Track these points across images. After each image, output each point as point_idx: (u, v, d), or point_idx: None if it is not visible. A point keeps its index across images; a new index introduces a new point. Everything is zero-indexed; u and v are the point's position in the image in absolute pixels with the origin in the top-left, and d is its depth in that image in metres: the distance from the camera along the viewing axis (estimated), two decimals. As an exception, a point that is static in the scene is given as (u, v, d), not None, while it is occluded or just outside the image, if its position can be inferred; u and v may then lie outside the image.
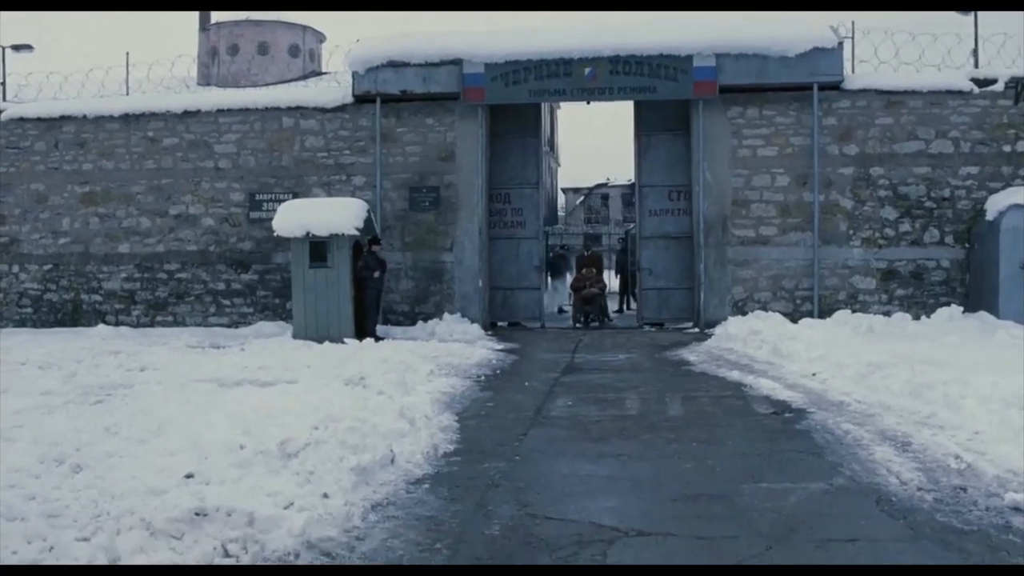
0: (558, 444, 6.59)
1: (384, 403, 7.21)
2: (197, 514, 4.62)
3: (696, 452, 6.19)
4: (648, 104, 15.61)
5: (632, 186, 17.26)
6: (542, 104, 16.55)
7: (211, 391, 8.99)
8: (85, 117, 16.35)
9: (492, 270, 16.03)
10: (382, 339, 12.94)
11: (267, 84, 28.41)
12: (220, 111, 15.89)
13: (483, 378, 10.00)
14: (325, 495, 5.05)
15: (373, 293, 13.85)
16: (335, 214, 13.65)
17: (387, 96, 15.24)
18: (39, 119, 16.52)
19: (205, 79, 39.56)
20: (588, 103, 15.89)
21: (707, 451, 6.21)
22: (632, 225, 21.27)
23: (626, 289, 20.78)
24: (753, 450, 6.23)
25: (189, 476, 5.47)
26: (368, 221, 14.05)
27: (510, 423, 7.40)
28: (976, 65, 15.37)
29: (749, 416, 7.53)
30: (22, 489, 5.30)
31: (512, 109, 15.71)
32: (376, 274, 13.79)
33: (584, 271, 17.19)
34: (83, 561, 4.28)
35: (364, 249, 13.89)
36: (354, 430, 5.92)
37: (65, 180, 16.45)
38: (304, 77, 33.16)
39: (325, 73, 25.59)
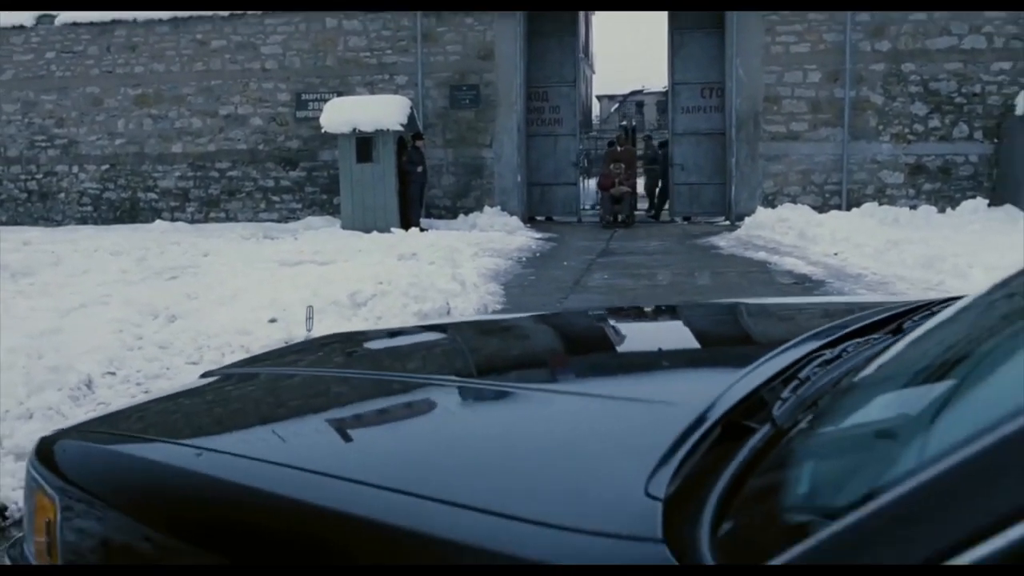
0: (595, 304, 7.28)
1: (436, 270, 7.93)
2: (286, 343, 5.38)
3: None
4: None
5: (667, 93, 17.52)
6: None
7: (274, 268, 9.77)
8: (135, 21, 16.89)
9: (530, 166, 16.56)
10: (426, 230, 13.64)
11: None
12: (266, 13, 16.36)
13: (524, 259, 10.69)
14: (394, 332, 5.79)
15: (416, 187, 14.49)
16: (380, 111, 14.21)
17: (427, -4, 15.62)
18: (91, 23, 17.07)
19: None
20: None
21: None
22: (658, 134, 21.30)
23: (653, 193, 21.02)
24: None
25: (272, 320, 6.25)
26: (411, 118, 14.61)
27: (551, 291, 8.11)
28: (1012, -42, 15.38)
29: (772, 285, 8.17)
30: (129, 332, 6.11)
31: (551, 12, 16.00)
32: (419, 168, 14.41)
33: (612, 167, 15.83)
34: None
35: (408, 144, 14.49)
36: (414, 285, 6.65)
37: (118, 83, 17.10)
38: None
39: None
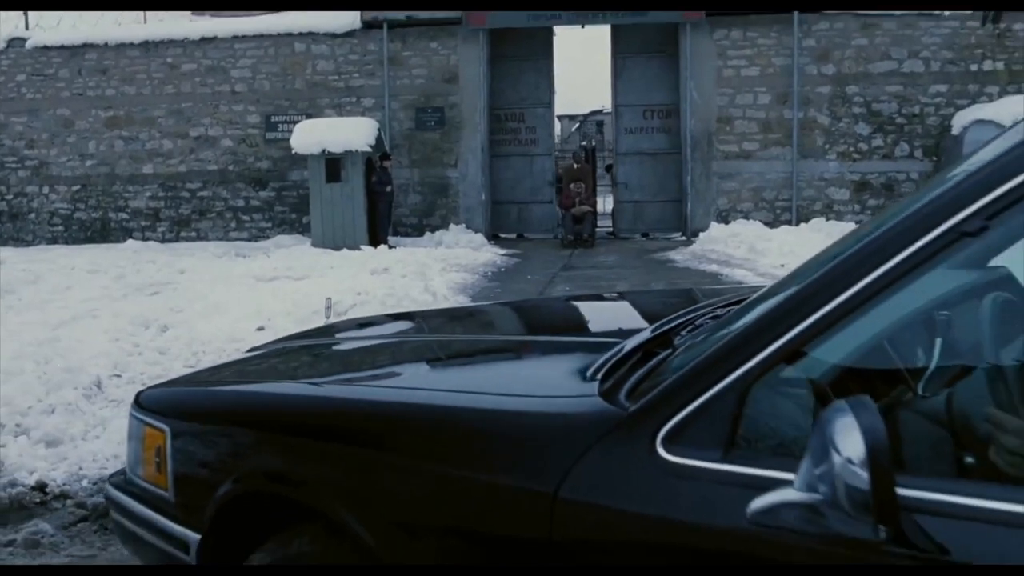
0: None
1: (409, 283, 8.45)
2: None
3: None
4: (623, 28, 16.54)
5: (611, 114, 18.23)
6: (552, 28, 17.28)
7: (251, 283, 10.20)
8: (107, 45, 17.26)
9: (507, 185, 17.19)
10: (394, 247, 14.13)
11: (260, 11, 28.77)
12: (236, 37, 16.82)
13: (490, 274, 11.23)
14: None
15: (385, 205, 15.00)
16: (349, 132, 14.72)
17: (393, 22, 16.17)
18: (62, 47, 17.40)
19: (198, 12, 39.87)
20: (583, 27, 16.78)
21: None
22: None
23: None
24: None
25: (261, 328, 6.72)
26: (379, 139, 15.14)
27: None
28: (948, -13, 16.29)
29: (722, 294, 8.78)
30: (126, 341, 6.55)
31: (525, 34, 16.58)
32: (388, 188, 14.93)
33: (573, 186, 15.91)
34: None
35: (376, 165, 15.00)
36: (390, 295, 7.16)
37: (89, 105, 17.43)
38: None
39: None
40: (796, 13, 15.62)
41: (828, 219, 15.59)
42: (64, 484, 3.77)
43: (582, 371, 1.68)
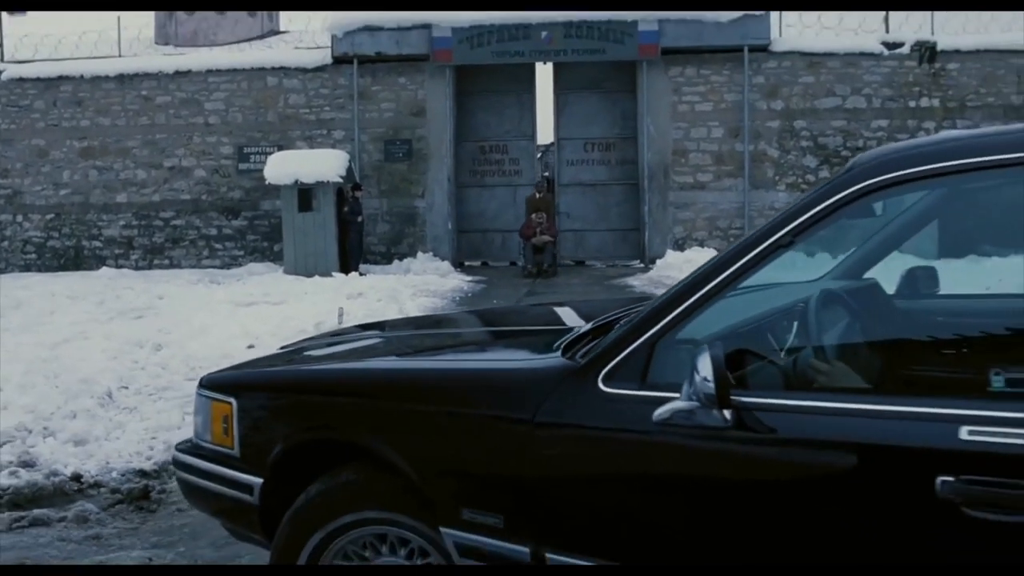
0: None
1: (384, 306, 9.03)
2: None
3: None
4: (564, 66, 17.32)
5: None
6: (535, 64, 17.75)
7: (232, 308, 10.68)
8: (82, 77, 17.72)
9: (490, 215, 17.85)
10: (364, 274, 14.70)
11: (226, 43, 29.07)
12: (209, 71, 17.38)
13: (458, 299, 11.84)
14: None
15: (356, 235, 15.59)
16: (320, 164, 15.30)
17: (363, 57, 16.85)
18: (38, 79, 17.83)
19: (163, 38, 40.17)
20: (544, 63, 17.56)
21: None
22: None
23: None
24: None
25: (251, 347, 7.26)
26: (349, 170, 15.74)
27: (485, 323, 9.27)
28: (887, 30, 17.29)
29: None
30: (125, 359, 7.07)
31: (508, 69, 17.24)
32: (359, 218, 15.53)
33: (534, 216, 15.94)
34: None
35: (348, 195, 15.60)
36: (369, 316, 7.73)
37: (64, 136, 17.86)
38: (263, 36, 33.94)
39: (285, 32, 26.54)
40: (746, 52, 16.52)
41: (778, 247, 16.37)
42: (97, 475, 4.32)
43: (549, 345, 2.37)
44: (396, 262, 16.53)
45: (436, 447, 2.25)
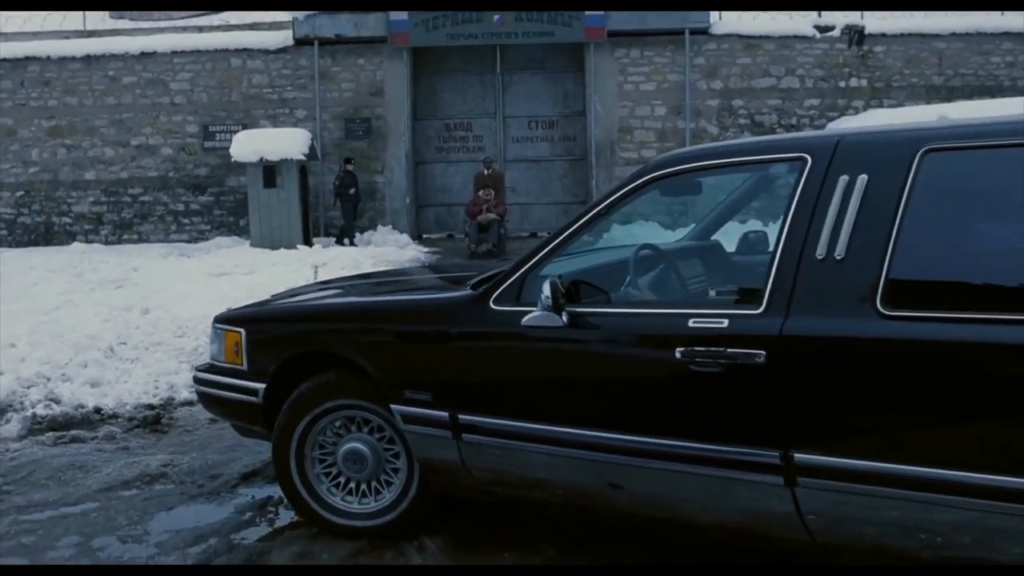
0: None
1: (349, 274, 9.95)
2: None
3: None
4: (510, 47, 18.21)
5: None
6: (497, 47, 18.51)
7: (206, 278, 11.51)
8: (49, 58, 18.28)
9: (455, 189, 18.71)
10: (356, 245, 15.86)
11: (181, 17, 29.38)
12: (175, 52, 18.04)
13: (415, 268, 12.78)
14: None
15: (350, 206, 16.76)
16: (284, 142, 16.12)
17: (324, 39, 17.62)
18: (4, 60, 18.33)
19: (117, 15, 40.39)
20: (496, 46, 18.41)
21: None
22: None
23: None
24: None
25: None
26: (312, 148, 16.58)
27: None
28: (819, 14, 18.37)
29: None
30: (117, 321, 7.93)
31: (472, 49, 18.13)
32: (352, 190, 16.53)
33: (482, 192, 15.72)
34: (187, 349, 6.96)
35: (340, 168, 16.86)
36: (335, 282, 8.68)
37: (32, 115, 18.43)
38: (218, 10, 34.33)
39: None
40: (687, 35, 17.54)
41: (717, 218, 17.46)
42: (114, 408, 5.27)
43: (465, 283, 3.35)
44: (358, 235, 17.39)
45: (389, 353, 3.25)
